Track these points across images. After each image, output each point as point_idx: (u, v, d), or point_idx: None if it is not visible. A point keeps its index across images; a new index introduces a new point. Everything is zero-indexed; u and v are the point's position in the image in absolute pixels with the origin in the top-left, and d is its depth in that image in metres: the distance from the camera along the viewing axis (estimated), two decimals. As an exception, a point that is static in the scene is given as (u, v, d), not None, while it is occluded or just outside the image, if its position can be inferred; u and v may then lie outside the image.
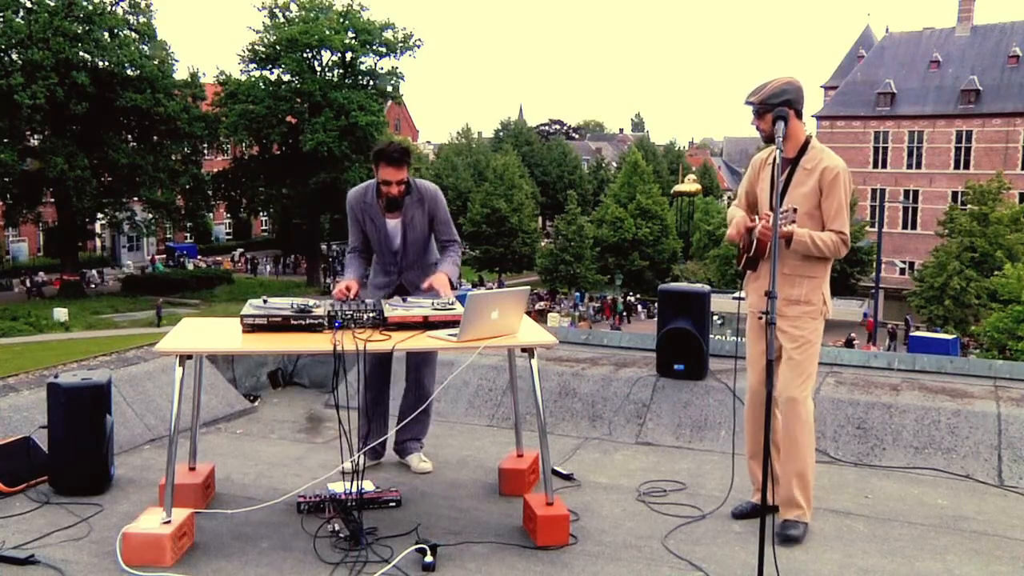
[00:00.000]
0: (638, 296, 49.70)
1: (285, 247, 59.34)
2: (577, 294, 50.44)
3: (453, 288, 4.61)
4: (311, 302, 4.11)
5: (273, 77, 48.25)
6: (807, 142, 4.04)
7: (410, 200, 4.66)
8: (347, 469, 4.16)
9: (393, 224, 4.72)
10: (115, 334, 32.89)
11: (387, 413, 5.01)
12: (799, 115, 3.99)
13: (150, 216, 47.04)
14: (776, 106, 3.90)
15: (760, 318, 4.10)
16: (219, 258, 60.26)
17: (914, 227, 50.77)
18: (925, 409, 5.29)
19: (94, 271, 49.98)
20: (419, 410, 4.74)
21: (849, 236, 4.00)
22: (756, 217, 4.09)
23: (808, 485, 4.05)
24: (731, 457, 4.65)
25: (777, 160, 3.66)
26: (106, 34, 41.79)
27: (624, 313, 46.37)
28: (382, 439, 4.87)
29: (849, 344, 32.80)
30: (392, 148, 4.56)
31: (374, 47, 48.53)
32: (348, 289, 4.46)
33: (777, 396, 4.03)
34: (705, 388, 5.76)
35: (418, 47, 49.52)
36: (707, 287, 6.18)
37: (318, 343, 3.84)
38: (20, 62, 38.52)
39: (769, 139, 3.98)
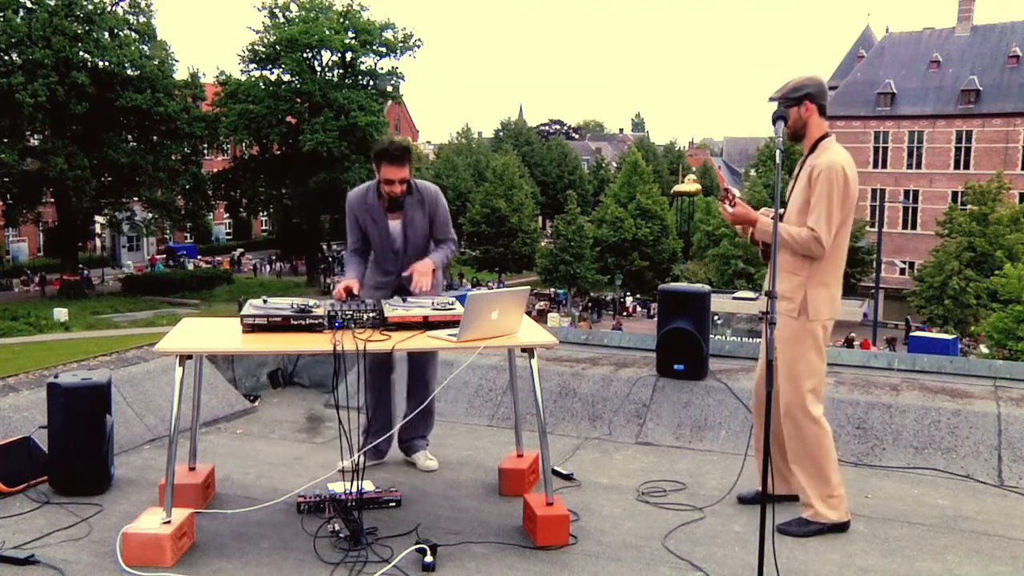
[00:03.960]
0: (638, 296, 49.60)
1: (285, 247, 59.31)
2: (561, 291, 50.11)
3: (433, 274, 4.60)
4: (311, 302, 4.11)
5: (273, 77, 48.26)
6: (820, 139, 4.00)
7: (411, 200, 4.67)
8: (346, 467, 4.16)
9: (395, 224, 4.73)
10: (115, 334, 32.86)
11: (391, 412, 5.01)
12: (822, 110, 3.98)
13: (150, 216, 47.04)
14: (795, 100, 3.92)
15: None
16: (220, 258, 60.27)
17: (914, 227, 50.74)
18: (925, 409, 5.29)
19: (89, 272, 49.88)
20: (421, 407, 4.74)
21: (825, 235, 3.82)
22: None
23: (822, 484, 4.04)
24: (729, 457, 4.65)
25: (778, 159, 3.62)
26: (106, 34, 41.78)
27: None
28: (385, 437, 4.86)
29: (849, 344, 32.78)
30: (393, 147, 4.57)
31: (374, 47, 48.51)
32: (348, 289, 4.48)
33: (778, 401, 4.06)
34: (705, 388, 5.76)
35: (418, 47, 49.56)
36: (707, 287, 6.20)
37: (318, 343, 3.84)
38: (20, 61, 38.48)
39: (791, 137, 3.99)
